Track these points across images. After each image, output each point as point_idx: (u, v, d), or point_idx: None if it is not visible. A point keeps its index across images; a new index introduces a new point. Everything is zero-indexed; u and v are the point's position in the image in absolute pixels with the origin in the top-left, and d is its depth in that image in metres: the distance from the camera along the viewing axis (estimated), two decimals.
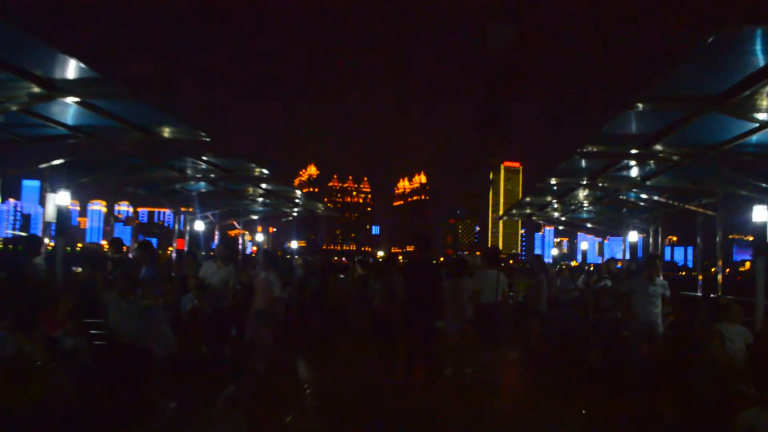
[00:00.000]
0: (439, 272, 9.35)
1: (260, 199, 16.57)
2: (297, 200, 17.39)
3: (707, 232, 12.14)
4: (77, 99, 7.28)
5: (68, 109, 7.85)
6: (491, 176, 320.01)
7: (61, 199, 10.46)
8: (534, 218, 20.70)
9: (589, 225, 20.20)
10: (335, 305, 13.43)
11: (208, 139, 9.28)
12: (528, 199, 17.01)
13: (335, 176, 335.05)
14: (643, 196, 12.90)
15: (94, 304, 8.31)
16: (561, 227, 19.95)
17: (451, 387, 8.96)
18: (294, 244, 23.57)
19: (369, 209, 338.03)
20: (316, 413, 7.64)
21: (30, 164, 10.11)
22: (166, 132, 9.12)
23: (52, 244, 12.01)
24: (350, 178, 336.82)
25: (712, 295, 11.90)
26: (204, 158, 11.05)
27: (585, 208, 16.12)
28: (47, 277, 9.11)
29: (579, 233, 21.54)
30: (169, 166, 11.89)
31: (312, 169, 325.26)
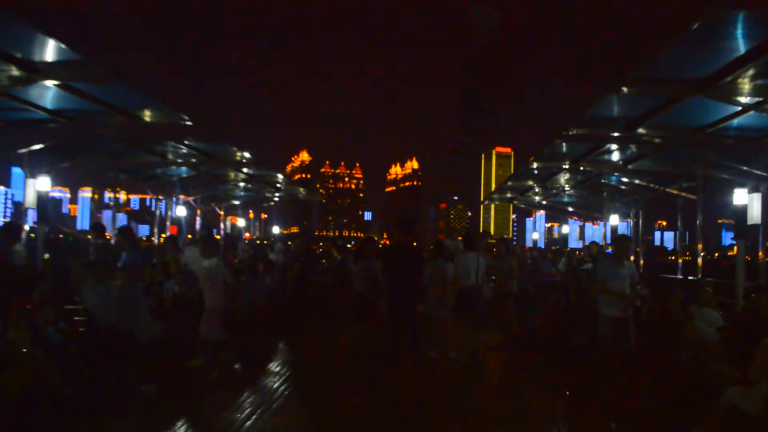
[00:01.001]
0: (421, 255, 9.35)
1: (242, 184, 16.49)
2: (279, 185, 17.32)
3: (691, 215, 12.23)
4: (58, 82, 7.17)
5: (48, 92, 7.73)
6: (482, 162, 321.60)
7: (42, 184, 10.32)
8: (515, 202, 20.78)
9: (570, 209, 20.33)
10: (317, 291, 13.43)
11: (189, 123, 9.20)
12: (510, 183, 17.06)
13: (327, 162, 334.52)
14: (625, 180, 12.99)
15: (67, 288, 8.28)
16: (551, 212, 19.99)
17: (436, 371, 9.01)
18: (276, 230, 23.45)
19: (361, 195, 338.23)
20: (295, 399, 7.65)
21: (9, 149, 9.94)
22: (148, 116, 9.03)
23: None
24: (342, 164, 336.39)
25: (690, 278, 12.06)
26: (186, 142, 10.95)
27: (567, 192, 16.22)
28: (28, 264, 9.00)
29: (569, 219, 21.81)
30: (150, 150, 11.76)
31: (304, 155, 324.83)
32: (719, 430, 5.55)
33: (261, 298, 11.94)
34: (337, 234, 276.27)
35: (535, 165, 12.61)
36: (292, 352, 10.51)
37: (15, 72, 6.80)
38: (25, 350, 5.59)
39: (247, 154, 12.19)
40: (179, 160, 12.50)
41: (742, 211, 9.20)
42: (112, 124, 9.12)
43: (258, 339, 10.76)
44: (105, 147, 11.35)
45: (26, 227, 10.41)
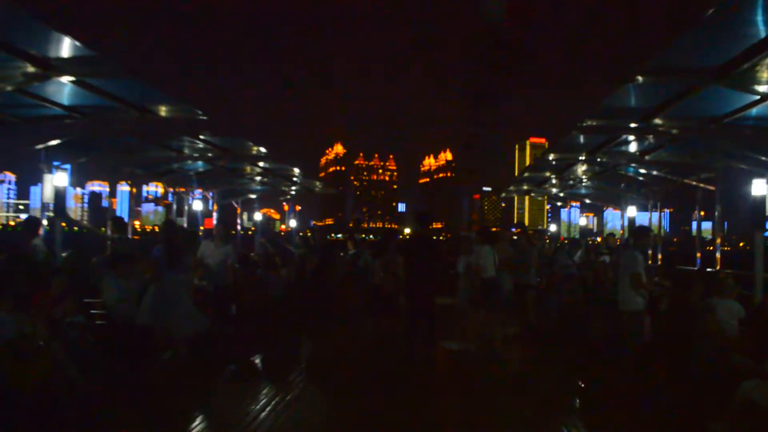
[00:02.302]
0: (439, 248, 9.35)
1: (258, 178, 16.52)
2: (295, 178, 17.32)
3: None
4: (73, 78, 7.22)
5: (64, 88, 7.78)
6: (516, 152, 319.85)
7: (59, 179, 10.41)
8: (532, 194, 20.64)
9: (587, 200, 20.16)
10: (335, 284, 13.42)
11: (204, 118, 9.23)
12: (526, 174, 16.95)
13: (361, 154, 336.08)
14: (642, 170, 12.86)
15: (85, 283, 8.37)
16: (596, 202, 19.74)
17: (453, 362, 9.02)
18: (293, 223, 23.44)
19: (395, 187, 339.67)
20: (316, 390, 7.69)
21: (26, 145, 10.03)
22: (163, 111, 9.07)
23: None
24: (376, 156, 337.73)
25: (708, 270, 11.93)
26: (201, 137, 10.99)
27: (583, 183, 16.09)
28: (46, 258, 9.10)
29: (606, 209, 21.51)
30: (166, 145, 11.82)
31: (338, 148, 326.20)
32: (736, 424, 5.50)
33: (277, 291, 11.99)
34: (372, 226, 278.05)
35: (551, 156, 12.52)
36: (307, 345, 10.56)
37: (30, 69, 6.84)
38: (42, 343, 5.64)
39: (262, 149, 12.21)
40: (195, 155, 12.55)
41: (761, 202, 9.07)
42: (128, 120, 9.17)
43: (274, 332, 10.81)
44: (121, 142, 11.42)
45: (44, 222, 10.51)
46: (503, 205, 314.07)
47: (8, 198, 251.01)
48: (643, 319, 7.85)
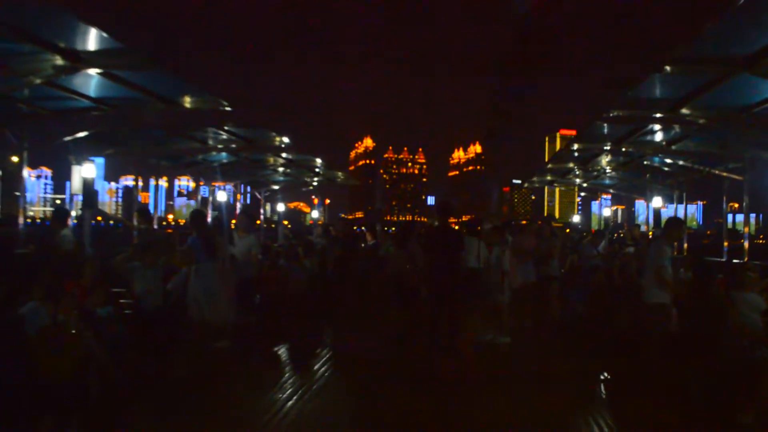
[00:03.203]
0: (461, 239, 9.32)
1: (281, 169, 16.62)
2: (317, 169, 17.39)
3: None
4: (100, 70, 7.31)
5: (91, 80, 7.88)
6: (546, 144, 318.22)
7: (87, 171, 10.56)
8: (555, 185, 20.53)
9: (611, 191, 20.00)
10: (357, 274, 13.45)
11: (229, 109, 9.30)
12: (550, 165, 16.85)
13: (390, 148, 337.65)
14: (668, 161, 12.73)
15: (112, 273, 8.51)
16: (620, 193, 19.56)
17: (479, 353, 9.03)
18: (315, 214, 23.56)
19: (424, 180, 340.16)
20: (340, 381, 7.74)
21: (55, 137, 10.19)
22: (188, 102, 9.15)
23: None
24: (405, 149, 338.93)
25: (735, 261, 11.78)
26: (226, 128, 11.07)
27: (608, 174, 15.96)
28: (75, 248, 9.25)
29: (636, 201, 21.20)
30: (191, 137, 11.92)
31: (368, 141, 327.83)
32: (763, 417, 5.46)
33: (301, 282, 12.06)
34: (402, 218, 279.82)
35: (575, 146, 12.43)
36: (331, 336, 10.62)
37: (59, 61, 6.95)
38: (74, 332, 5.74)
39: (285, 139, 12.27)
40: (219, 146, 12.65)
41: None
42: (154, 111, 9.27)
43: (298, 322, 10.90)
44: (147, 134, 11.55)
45: (73, 213, 10.69)
46: (533, 197, 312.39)
47: (45, 193, 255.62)
48: (668, 311, 7.77)
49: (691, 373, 7.21)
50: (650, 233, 14.63)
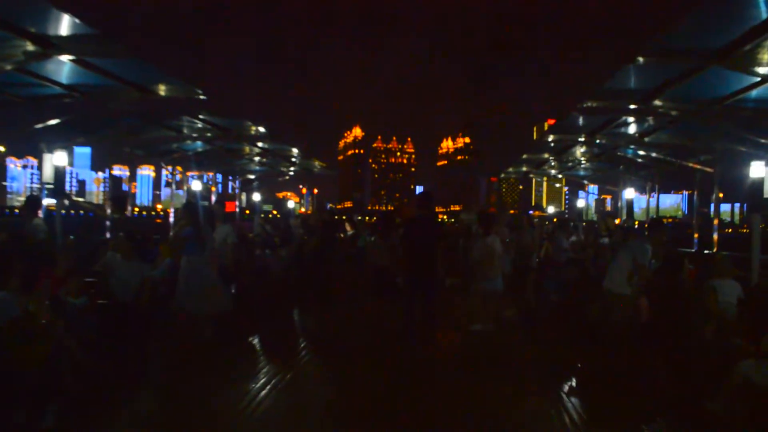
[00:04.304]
0: (440, 229, 9.37)
1: (257, 158, 16.54)
2: (294, 159, 17.33)
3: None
4: (73, 57, 7.21)
5: (64, 67, 7.77)
6: (534, 134, 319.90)
7: (59, 159, 10.42)
8: (531, 175, 20.66)
9: (585, 182, 20.21)
10: (333, 264, 13.44)
11: (203, 97, 9.23)
12: (525, 156, 16.95)
13: (379, 137, 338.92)
14: (641, 152, 12.88)
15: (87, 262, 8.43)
16: (598, 184, 19.69)
17: (454, 343, 9.11)
18: (291, 204, 23.53)
19: (413, 169, 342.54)
20: (315, 371, 7.77)
21: (26, 125, 10.01)
22: (163, 90, 9.05)
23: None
24: (394, 138, 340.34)
25: (706, 252, 11.99)
26: (200, 117, 10.98)
27: (582, 165, 16.12)
28: (47, 237, 9.13)
29: (624, 190, 21.25)
30: (165, 125, 11.80)
31: (357, 131, 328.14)
32: (732, 404, 5.58)
33: (277, 272, 12.04)
34: (390, 208, 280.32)
35: (550, 138, 12.53)
36: (306, 325, 10.62)
37: (30, 47, 6.83)
38: (45, 322, 5.68)
39: (261, 128, 12.21)
40: (194, 135, 12.54)
41: (759, 185, 9.11)
42: (127, 99, 9.15)
43: (273, 312, 10.88)
44: (120, 122, 11.40)
45: (44, 202, 10.55)
46: (521, 187, 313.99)
47: (32, 183, 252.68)
48: (632, 302, 7.89)
49: (660, 360, 7.35)
50: (617, 221, 14.81)
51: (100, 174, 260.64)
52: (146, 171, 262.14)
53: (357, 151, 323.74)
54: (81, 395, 5.73)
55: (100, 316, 7.15)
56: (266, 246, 12.52)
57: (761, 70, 6.80)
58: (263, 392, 6.38)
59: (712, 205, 12.07)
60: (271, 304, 11.06)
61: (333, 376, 7.49)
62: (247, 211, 20.44)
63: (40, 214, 9.72)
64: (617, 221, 15.34)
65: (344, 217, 15.07)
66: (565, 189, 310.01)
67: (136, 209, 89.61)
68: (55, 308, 6.21)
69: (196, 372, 7.23)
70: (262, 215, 19.58)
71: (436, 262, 8.85)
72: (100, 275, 8.14)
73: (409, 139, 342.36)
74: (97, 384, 6.12)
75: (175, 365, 7.46)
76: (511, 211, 14.76)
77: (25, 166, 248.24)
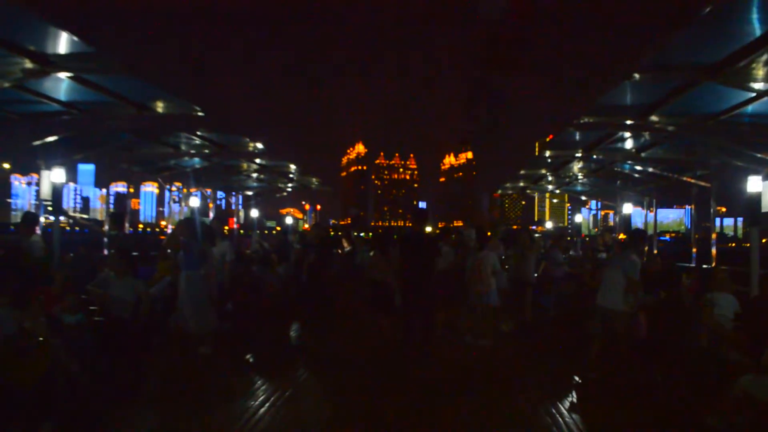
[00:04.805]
0: (436, 244, 9.36)
1: (255, 175, 16.55)
2: (291, 175, 17.34)
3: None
4: (71, 74, 7.23)
5: (62, 84, 7.80)
6: (536, 149, 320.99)
7: (56, 176, 10.41)
8: (528, 191, 20.68)
9: (583, 198, 20.25)
10: (331, 280, 13.39)
11: (201, 114, 9.25)
12: (522, 171, 16.98)
13: (382, 154, 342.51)
14: (638, 168, 12.91)
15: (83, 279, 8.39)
16: (607, 202, 19.75)
17: (450, 358, 9.07)
18: (289, 220, 23.49)
19: (416, 185, 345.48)
20: (313, 387, 7.73)
21: (24, 141, 10.02)
22: (160, 107, 9.08)
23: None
24: (397, 155, 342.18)
25: (704, 266, 11.98)
26: (198, 133, 10.99)
27: (579, 180, 16.14)
28: (45, 254, 9.10)
29: (624, 204, 21.25)
30: (163, 142, 11.82)
31: (360, 148, 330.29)
32: (732, 418, 5.55)
33: (274, 289, 11.99)
34: (394, 224, 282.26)
35: (547, 153, 12.55)
36: (304, 342, 10.57)
37: (28, 64, 6.86)
38: (41, 339, 5.65)
39: (259, 145, 12.24)
40: (192, 151, 12.56)
41: (756, 199, 9.11)
42: (125, 116, 9.18)
43: (271, 328, 10.84)
44: (118, 139, 11.41)
45: (42, 219, 10.52)
46: (523, 203, 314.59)
47: (36, 200, 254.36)
48: (629, 317, 7.87)
49: (659, 375, 7.32)
50: (619, 236, 14.82)
51: (104, 191, 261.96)
52: (150, 188, 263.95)
53: (360, 167, 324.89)
54: (77, 412, 5.70)
55: (97, 333, 7.11)
56: (263, 262, 12.48)
57: (756, 85, 6.83)
58: (262, 409, 6.34)
59: (718, 220, 12.09)
60: (268, 321, 11.01)
61: (332, 392, 7.44)
62: (242, 231, 20.40)
63: (38, 230, 9.69)
64: (621, 236, 15.34)
65: (340, 233, 15.02)
66: (568, 205, 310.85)
67: (140, 226, 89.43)
68: (51, 325, 6.18)
69: (194, 389, 7.19)
70: (257, 231, 19.52)
71: (432, 279, 8.83)
72: (92, 293, 8.09)
73: (411, 155, 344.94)
74: (93, 401, 6.08)
75: (172, 382, 7.42)
76: (514, 227, 14.80)
77: (29, 183, 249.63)
